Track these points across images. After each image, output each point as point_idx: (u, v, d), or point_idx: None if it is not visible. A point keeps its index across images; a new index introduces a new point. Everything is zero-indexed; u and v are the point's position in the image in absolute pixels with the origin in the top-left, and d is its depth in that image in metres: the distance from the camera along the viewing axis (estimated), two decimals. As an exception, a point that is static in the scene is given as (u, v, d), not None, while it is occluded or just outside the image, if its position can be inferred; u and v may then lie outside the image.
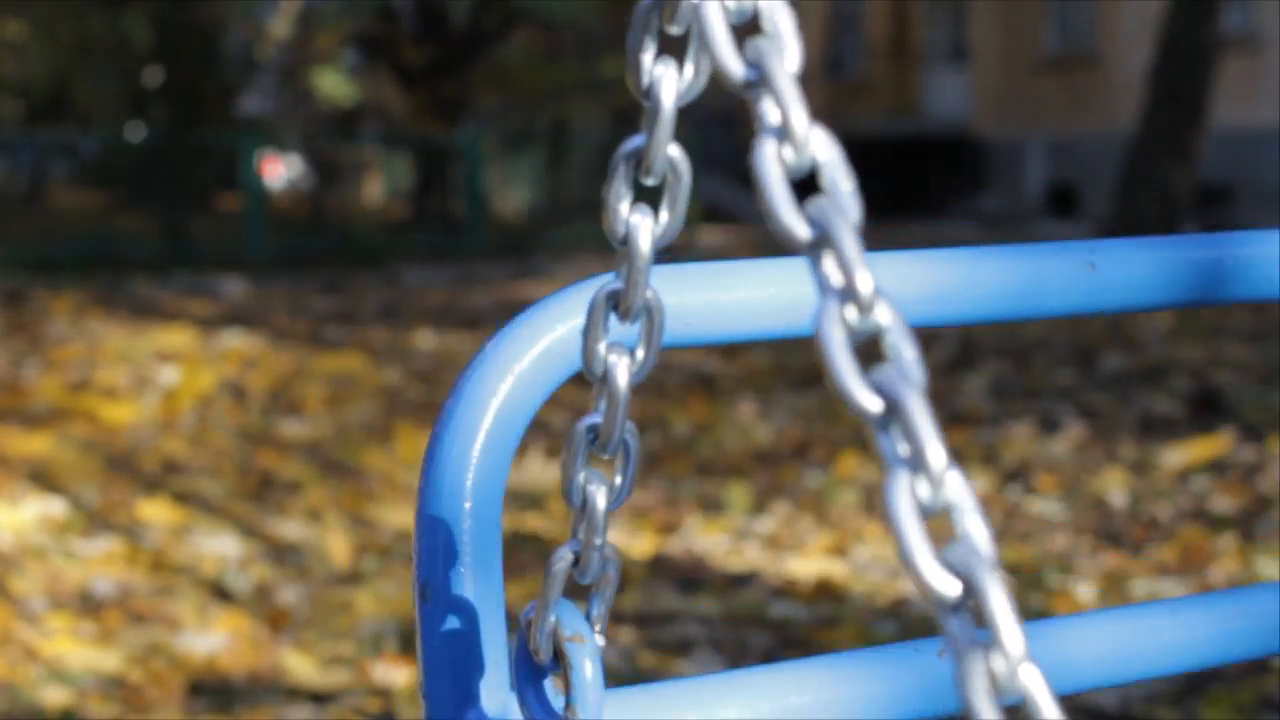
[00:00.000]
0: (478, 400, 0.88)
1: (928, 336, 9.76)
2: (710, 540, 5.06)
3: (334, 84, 22.98)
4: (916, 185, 25.92)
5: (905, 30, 27.66)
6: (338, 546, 5.02)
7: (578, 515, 0.76)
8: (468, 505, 0.86)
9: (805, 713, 0.89)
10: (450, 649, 0.85)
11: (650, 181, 0.71)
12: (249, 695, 3.75)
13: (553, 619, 0.78)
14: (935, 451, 0.55)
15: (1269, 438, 6.13)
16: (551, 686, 0.80)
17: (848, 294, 0.58)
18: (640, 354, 0.75)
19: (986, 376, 8.09)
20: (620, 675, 3.76)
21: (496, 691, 0.85)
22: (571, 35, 29.11)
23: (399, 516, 5.44)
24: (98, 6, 20.34)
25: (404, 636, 4.15)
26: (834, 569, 4.65)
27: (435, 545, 0.85)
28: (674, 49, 0.70)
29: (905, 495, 0.55)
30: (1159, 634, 1.02)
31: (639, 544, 4.99)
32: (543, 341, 0.89)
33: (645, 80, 0.69)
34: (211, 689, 3.79)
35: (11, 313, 11.62)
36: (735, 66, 0.62)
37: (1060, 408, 7.11)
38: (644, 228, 0.71)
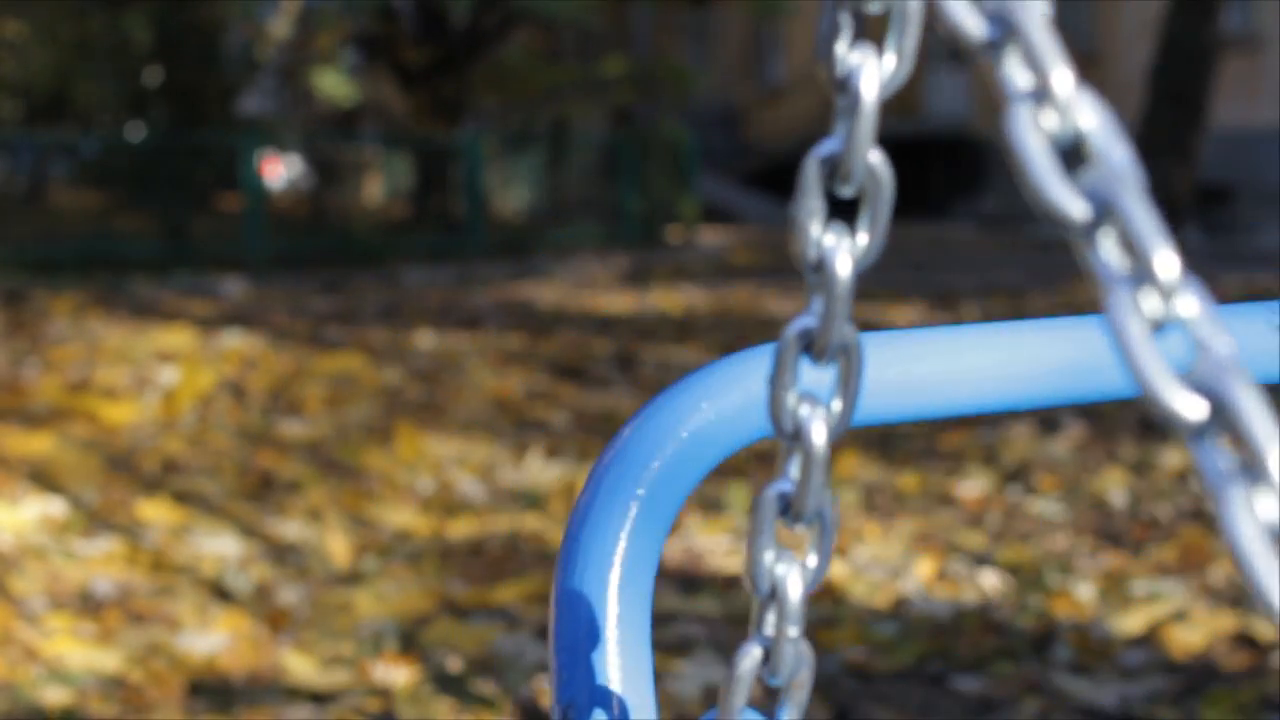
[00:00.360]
0: (619, 491, 0.77)
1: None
2: (710, 540, 5.06)
3: (334, 84, 22.98)
4: (917, 185, 25.92)
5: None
6: (338, 546, 5.02)
7: (765, 602, 0.65)
8: (613, 613, 0.75)
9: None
10: None
11: (848, 193, 0.60)
12: (249, 695, 3.75)
13: None
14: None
15: (1269, 438, 6.13)
16: None
17: (1144, 276, 0.49)
18: (838, 405, 0.63)
19: (986, 376, 8.09)
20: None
21: None
22: (571, 35, 29.12)
23: (399, 516, 5.44)
24: (98, 6, 20.34)
25: (404, 636, 4.15)
26: (834, 569, 4.65)
27: (576, 662, 0.75)
28: (871, 33, 0.60)
29: (1248, 518, 0.46)
30: None
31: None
32: (689, 423, 0.79)
33: (841, 70, 0.60)
34: (211, 689, 3.79)
35: (11, 313, 11.62)
36: (975, 24, 0.53)
37: (1060, 408, 7.11)
38: (843, 250, 0.59)
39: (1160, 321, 0.48)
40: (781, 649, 0.66)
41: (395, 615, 4.33)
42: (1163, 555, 4.73)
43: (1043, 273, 14.30)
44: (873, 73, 0.59)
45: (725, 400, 0.79)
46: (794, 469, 0.63)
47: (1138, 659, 3.86)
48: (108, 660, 3.94)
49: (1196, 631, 4.00)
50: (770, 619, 0.65)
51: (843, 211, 0.60)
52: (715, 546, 5.00)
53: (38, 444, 6.38)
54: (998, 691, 3.69)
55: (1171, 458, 5.95)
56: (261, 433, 6.90)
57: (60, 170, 21.34)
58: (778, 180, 28.10)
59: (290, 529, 5.27)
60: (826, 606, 4.35)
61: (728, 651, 3.98)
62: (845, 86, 0.59)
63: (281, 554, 4.99)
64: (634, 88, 24.44)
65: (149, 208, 18.29)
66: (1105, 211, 0.50)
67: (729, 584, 4.58)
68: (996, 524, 5.20)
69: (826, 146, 0.60)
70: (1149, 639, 3.99)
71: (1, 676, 3.83)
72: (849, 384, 0.62)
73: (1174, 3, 13.14)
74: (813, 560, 0.65)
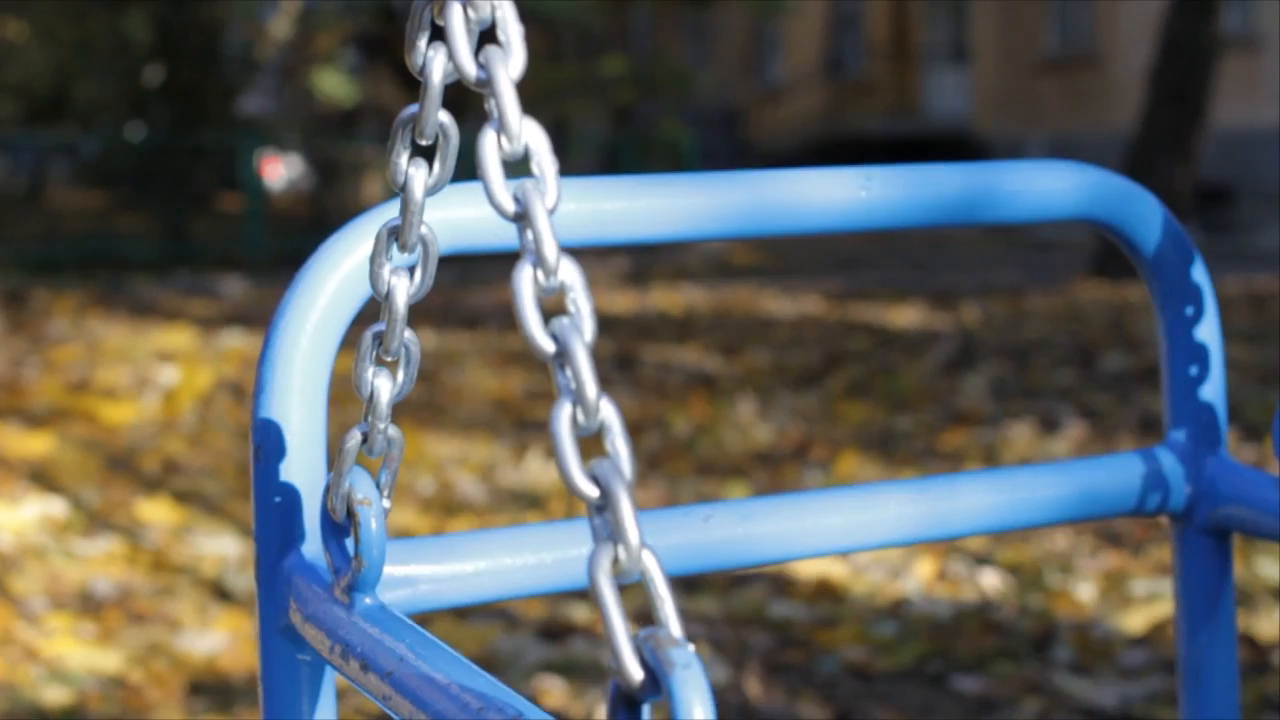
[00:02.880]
0: (305, 300, 1.05)
1: (928, 336, 9.77)
2: (710, 540, 5.06)
3: (334, 84, 22.98)
4: (916, 185, 25.91)
5: (905, 30, 27.66)
6: (338, 546, 5.01)
7: (366, 404, 0.94)
8: (296, 382, 1.07)
9: (522, 571, 1.10)
10: (276, 504, 1.04)
11: (424, 142, 0.86)
12: (249, 695, 3.75)
13: (346, 485, 0.95)
14: (591, 387, 0.71)
15: (1269, 438, 6.13)
16: (351, 540, 0.95)
17: (539, 261, 0.73)
18: (418, 276, 0.89)
19: (986, 376, 8.09)
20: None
21: (312, 541, 1.04)
22: (571, 35, 29.11)
23: (399, 517, 5.44)
24: (98, 6, 20.34)
25: (404, 636, 4.15)
26: (834, 569, 4.65)
27: (269, 416, 1.05)
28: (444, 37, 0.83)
29: (566, 420, 0.71)
30: (873, 510, 1.19)
31: (639, 544, 4.99)
32: (353, 258, 1.06)
33: (419, 61, 0.84)
34: (211, 689, 3.79)
35: (11, 313, 11.63)
36: (469, 67, 0.78)
37: (1060, 408, 7.11)
38: (419, 177, 0.86)
39: (546, 288, 0.75)
40: (374, 435, 0.95)
41: (395, 615, 4.32)
42: (1163, 555, 4.72)
43: (1043, 272, 14.30)
44: (440, 64, 0.84)
45: (356, 260, 1.07)
46: (386, 317, 0.90)
47: (1138, 659, 3.86)
48: (108, 660, 3.95)
49: (1196, 631, 3.99)
50: (370, 415, 0.94)
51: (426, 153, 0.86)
52: (715, 546, 4.99)
53: (38, 444, 6.39)
54: (998, 691, 3.69)
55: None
56: (261, 433, 6.89)
57: (60, 170, 21.35)
58: (778, 180, 28.03)
59: (290, 529, 5.27)
60: (827, 606, 4.36)
61: (728, 651, 3.98)
62: (422, 72, 0.84)
63: (281, 554, 4.99)
64: (634, 88, 24.45)
65: (149, 208, 18.30)
66: (524, 210, 0.75)
67: (729, 584, 4.58)
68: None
69: (409, 111, 0.86)
70: (1149, 639, 3.99)
71: (1, 676, 3.83)
72: (425, 264, 0.89)
73: (1174, 3, 13.14)
74: (400, 377, 0.93)
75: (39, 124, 21.49)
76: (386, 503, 0.97)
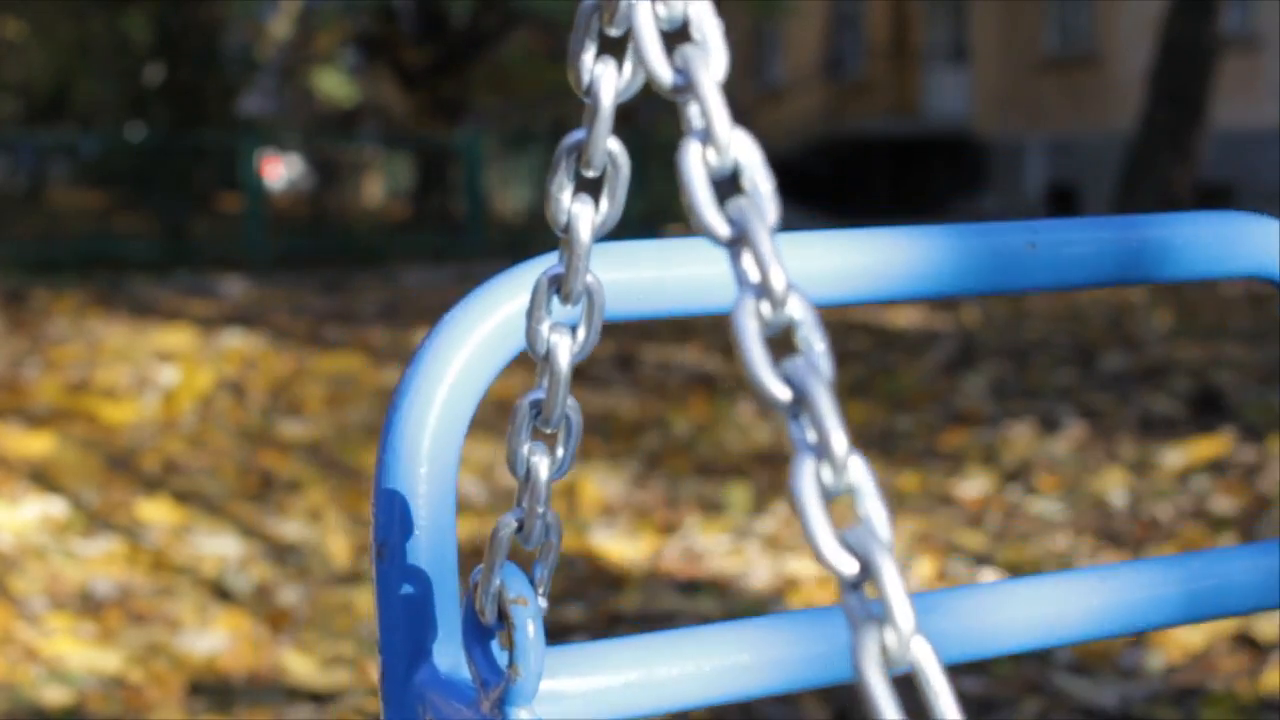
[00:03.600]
0: (434, 371, 0.93)
1: (928, 336, 9.77)
2: (710, 540, 5.06)
3: (334, 84, 22.98)
4: (916, 185, 25.93)
5: (905, 30, 27.66)
6: (338, 546, 5.02)
7: (522, 485, 0.81)
8: (423, 470, 0.92)
9: (736, 671, 0.96)
10: (405, 607, 0.91)
11: (591, 174, 0.74)
12: (249, 695, 3.75)
13: (497, 582, 0.82)
14: (839, 439, 0.60)
15: (1269, 438, 6.13)
16: (497, 645, 0.85)
17: (763, 290, 0.63)
18: (581, 334, 0.78)
19: (986, 376, 8.09)
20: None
21: (448, 648, 0.91)
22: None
23: (399, 516, 5.44)
24: (98, 6, 20.34)
25: (404, 636, 4.14)
26: (834, 569, 4.65)
27: (392, 508, 0.91)
28: (614, 49, 0.73)
29: (810, 479, 0.60)
30: (1068, 601, 1.06)
31: (639, 544, 4.99)
32: (495, 317, 0.94)
33: (586, 78, 0.73)
34: (211, 689, 3.79)
35: (11, 313, 11.62)
36: (664, 72, 0.67)
37: (1060, 408, 7.11)
38: (584, 216, 0.75)
39: (773, 324, 0.64)
40: (533, 520, 0.81)
41: (395, 615, 4.32)
42: (1163, 555, 4.72)
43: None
44: (610, 82, 0.73)
45: (508, 311, 0.95)
46: (545, 383, 0.79)
47: (1138, 659, 3.86)
48: (108, 660, 3.94)
49: (1196, 631, 3.99)
50: (526, 498, 0.81)
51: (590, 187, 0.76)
52: (715, 547, 5.00)
53: (38, 444, 6.38)
54: (998, 691, 3.69)
55: (1172, 458, 5.95)
56: (261, 433, 6.90)
57: (60, 170, 21.34)
58: (778, 180, 28.06)
59: (290, 529, 5.27)
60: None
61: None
62: (589, 92, 0.73)
63: (281, 554, 4.99)
64: (634, 88, 24.43)
65: (149, 208, 18.30)
66: (742, 234, 0.64)
67: (729, 584, 4.58)
68: (996, 524, 5.20)
69: (574, 137, 0.74)
70: (1149, 639, 3.99)
71: (1, 676, 3.83)
72: (590, 319, 0.78)
73: (1174, 3, 13.14)
74: (560, 453, 0.81)
75: (39, 124, 21.49)
76: (543, 601, 0.85)
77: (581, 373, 8.59)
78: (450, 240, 19.04)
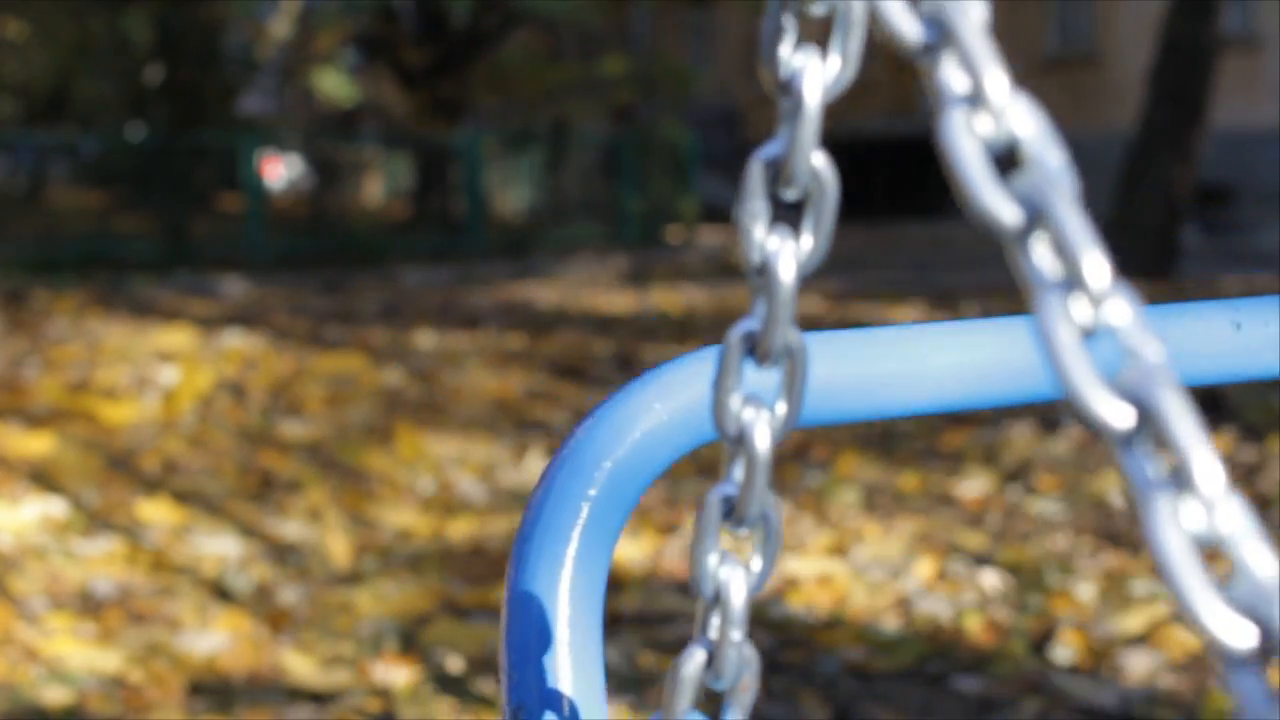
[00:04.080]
0: (571, 493, 0.77)
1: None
2: (710, 540, 5.06)
3: (334, 84, 22.99)
4: (916, 185, 25.93)
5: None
6: (338, 546, 5.02)
7: (709, 606, 0.64)
8: (564, 614, 0.75)
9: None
10: None
11: (791, 196, 0.59)
12: (249, 695, 3.75)
13: None
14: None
15: (1269, 438, 6.13)
16: None
17: (1075, 283, 0.48)
18: (783, 407, 0.62)
19: (986, 376, 8.09)
20: (620, 675, 3.77)
21: None
22: (571, 35, 29.11)
23: (399, 516, 5.44)
24: (98, 6, 20.34)
25: (404, 636, 4.15)
26: (834, 569, 4.65)
27: (527, 663, 0.74)
28: (815, 36, 0.60)
29: (1172, 525, 0.44)
30: None
31: (639, 544, 4.99)
32: (641, 423, 0.79)
33: (784, 73, 0.59)
34: (211, 689, 3.79)
35: (11, 313, 11.62)
36: (912, 27, 0.53)
37: (1060, 407, 7.10)
38: (786, 253, 0.59)
39: (1090, 328, 0.48)
40: (725, 652, 0.64)
41: (395, 615, 4.33)
42: (1163, 555, 4.72)
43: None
44: (816, 75, 0.58)
45: (677, 400, 0.79)
46: (738, 472, 0.62)
47: (1138, 659, 3.86)
48: (108, 660, 3.94)
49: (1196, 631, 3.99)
50: (714, 622, 0.64)
51: (788, 214, 0.60)
52: (715, 546, 4.99)
53: (38, 444, 6.38)
54: (998, 691, 3.69)
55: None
56: (261, 433, 6.90)
57: (60, 170, 21.34)
58: (778, 180, 28.04)
59: (290, 529, 5.27)
60: (827, 606, 4.36)
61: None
62: (789, 89, 0.59)
63: (281, 554, 4.99)
64: (634, 88, 24.44)
65: (149, 208, 18.29)
66: (1037, 217, 0.49)
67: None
68: (996, 524, 5.20)
69: (770, 150, 0.59)
70: (1149, 639, 3.99)
71: (1, 676, 3.83)
72: (793, 387, 0.62)
73: (1174, 3, 13.14)
74: (757, 564, 0.64)
75: (39, 124, 21.48)
76: None
77: (581, 373, 8.58)
78: (450, 240, 19.04)
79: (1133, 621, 4.10)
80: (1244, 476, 5.61)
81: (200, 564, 4.83)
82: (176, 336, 9.92)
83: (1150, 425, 0.46)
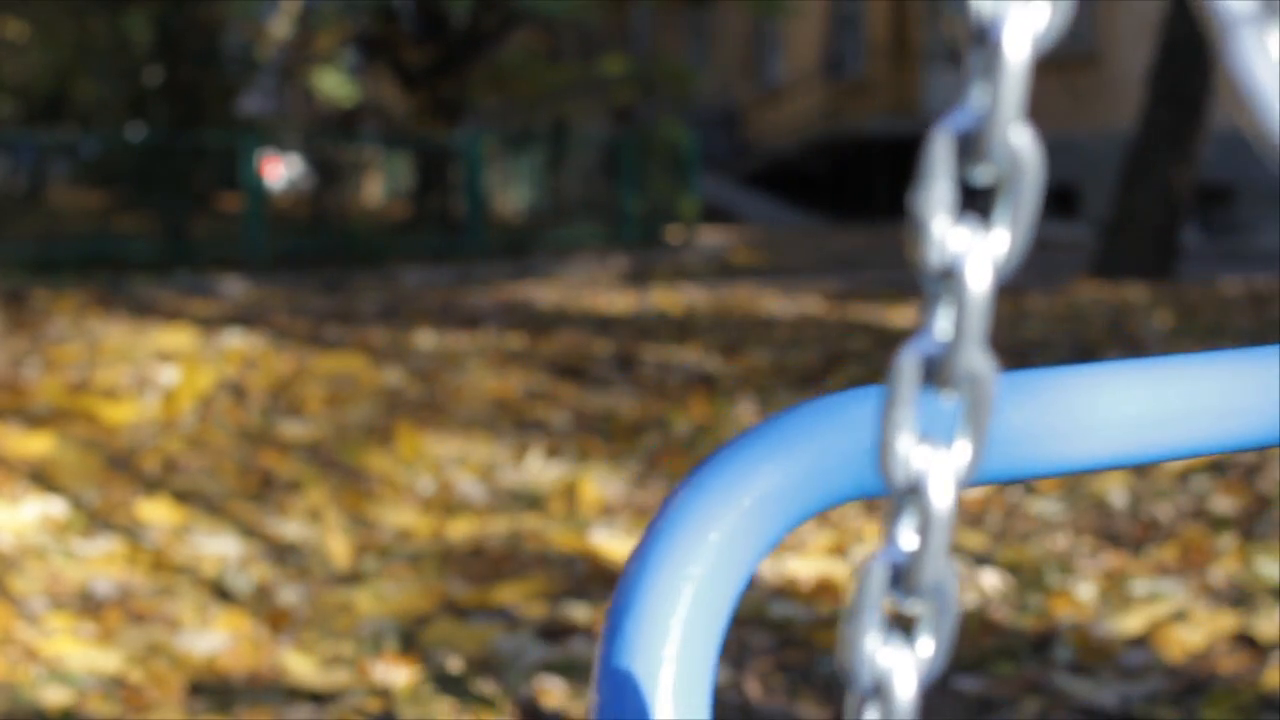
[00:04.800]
0: (667, 587, 0.65)
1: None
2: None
3: (334, 84, 22.98)
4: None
5: (905, 30, 27.65)
6: (338, 546, 5.02)
7: (866, 698, 0.50)
8: (671, 700, 0.63)
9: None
10: None
11: (984, 179, 0.47)
12: (249, 695, 3.75)
13: None
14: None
15: (1269, 438, 6.13)
16: None
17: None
18: (967, 449, 0.49)
19: (986, 376, 8.09)
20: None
21: None
22: (571, 35, 29.11)
23: (399, 516, 5.44)
24: (98, 6, 20.33)
25: (404, 636, 4.15)
26: (834, 569, 4.65)
27: None
28: None
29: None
30: None
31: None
32: (753, 488, 0.67)
33: (979, 18, 0.46)
34: (211, 689, 3.79)
35: (11, 313, 11.62)
36: None
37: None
38: (979, 252, 0.47)
39: None
40: None
41: (395, 615, 4.33)
42: (1163, 555, 4.73)
43: (1043, 272, 14.30)
44: (1022, 21, 0.46)
45: (794, 459, 0.68)
46: (909, 531, 0.49)
47: (1138, 659, 3.86)
48: (108, 660, 3.94)
49: (1196, 631, 3.99)
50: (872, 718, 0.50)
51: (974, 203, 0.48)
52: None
53: (38, 444, 6.38)
54: (998, 691, 3.69)
55: (1171, 458, 5.94)
56: (261, 433, 6.90)
57: (60, 170, 21.33)
58: (778, 180, 28.09)
59: (290, 529, 5.27)
60: (827, 606, 4.36)
61: (728, 651, 3.98)
62: (985, 39, 0.46)
63: (281, 554, 4.99)
64: (634, 88, 24.44)
65: (149, 208, 18.29)
66: None
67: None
68: (996, 524, 5.20)
69: (959, 119, 0.46)
70: (1149, 639, 3.99)
71: (1, 676, 3.83)
72: (978, 423, 0.48)
73: (1174, 3, 13.13)
74: (927, 647, 0.50)
75: (39, 124, 21.48)
76: None
77: (581, 373, 8.58)
78: (450, 240, 19.04)
79: (1133, 621, 4.10)
80: (1244, 476, 5.61)
81: (200, 564, 4.83)
82: (176, 336, 9.92)
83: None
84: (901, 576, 0.49)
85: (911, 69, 27.59)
